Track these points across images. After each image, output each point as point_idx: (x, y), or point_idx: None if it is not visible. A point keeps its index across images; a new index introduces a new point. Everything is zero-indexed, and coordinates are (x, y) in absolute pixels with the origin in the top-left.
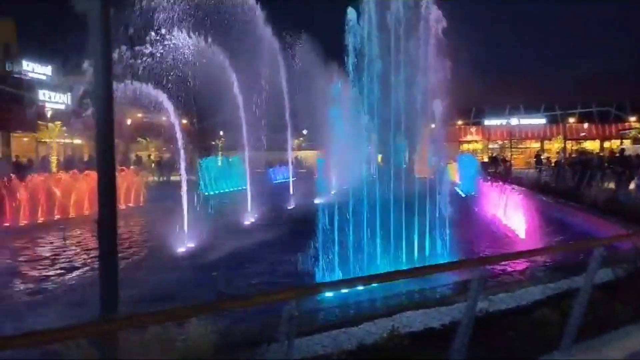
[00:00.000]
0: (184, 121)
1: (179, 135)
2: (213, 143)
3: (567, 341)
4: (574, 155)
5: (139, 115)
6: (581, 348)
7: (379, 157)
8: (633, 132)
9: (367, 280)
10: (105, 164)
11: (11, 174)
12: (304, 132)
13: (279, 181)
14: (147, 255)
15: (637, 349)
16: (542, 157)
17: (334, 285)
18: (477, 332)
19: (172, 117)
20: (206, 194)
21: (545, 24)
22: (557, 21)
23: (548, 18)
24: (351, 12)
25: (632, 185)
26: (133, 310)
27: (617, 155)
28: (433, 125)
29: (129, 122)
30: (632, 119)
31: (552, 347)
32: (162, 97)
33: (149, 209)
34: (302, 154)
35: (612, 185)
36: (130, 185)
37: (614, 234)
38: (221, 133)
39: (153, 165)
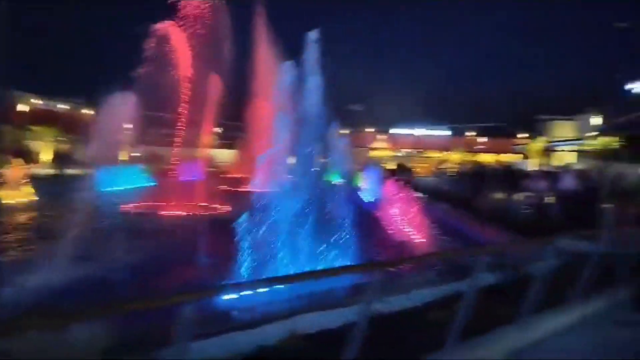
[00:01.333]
0: (86, 111)
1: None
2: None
3: (451, 341)
4: (470, 167)
5: (33, 101)
6: (464, 347)
7: (291, 159)
8: (522, 148)
9: (269, 282)
10: None
11: None
12: (218, 129)
13: (189, 179)
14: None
15: (514, 347)
16: (443, 167)
17: (236, 287)
18: (372, 331)
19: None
20: (102, 190)
21: (460, 43)
22: (468, 46)
23: (463, 38)
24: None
25: (518, 197)
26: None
27: (506, 169)
28: (344, 132)
29: (22, 108)
30: (522, 135)
31: (439, 346)
32: None
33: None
34: (215, 152)
35: (502, 196)
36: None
37: (500, 241)
38: (126, 126)
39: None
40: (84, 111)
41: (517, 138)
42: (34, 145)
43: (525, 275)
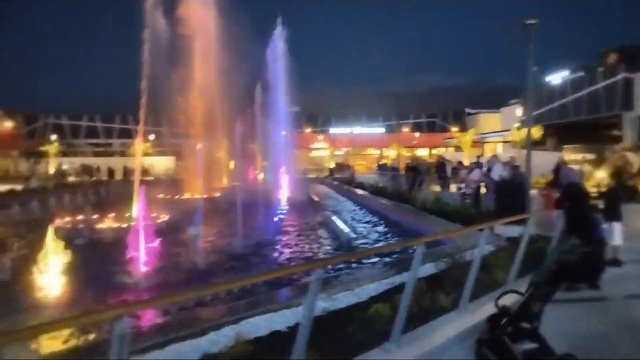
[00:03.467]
0: (8, 124)
1: None
2: (43, 149)
3: (396, 332)
4: (407, 162)
5: None
6: (408, 338)
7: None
8: (454, 141)
9: (208, 288)
10: None
11: None
12: (151, 137)
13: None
14: None
15: (455, 333)
16: (382, 164)
17: (171, 297)
18: (320, 329)
19: None
20: None
21: (388, 42)
22: (399, 39)
23: (391, 36)
24: None
25: (453, 189)
26: None
27: (441, 162)
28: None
29: None
30: (454, 129)
31: (385, 339)
32: None
33: None
34: (150, 160)
35: (437, 188)
36: None
37: (439, 231)
38: (53, 137)
39: None
40: (6, 124)
41: (449, 132)
42: None
43: (464, 262)
